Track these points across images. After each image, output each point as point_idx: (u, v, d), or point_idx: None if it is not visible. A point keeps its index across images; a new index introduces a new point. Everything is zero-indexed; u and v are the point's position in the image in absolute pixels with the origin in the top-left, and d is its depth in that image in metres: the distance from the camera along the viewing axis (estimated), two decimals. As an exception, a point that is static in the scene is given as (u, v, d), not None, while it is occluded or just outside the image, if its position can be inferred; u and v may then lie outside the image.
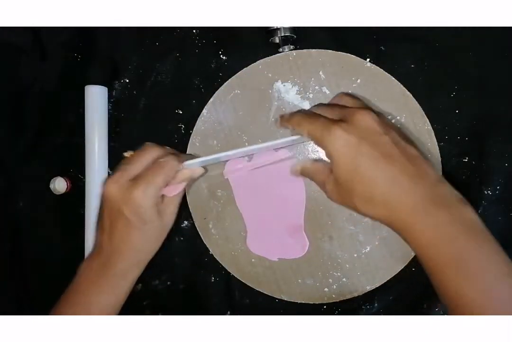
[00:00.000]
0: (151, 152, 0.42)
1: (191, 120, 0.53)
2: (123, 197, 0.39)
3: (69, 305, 0.41)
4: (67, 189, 0.56)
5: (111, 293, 0.42)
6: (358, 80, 0.50)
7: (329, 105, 0.43)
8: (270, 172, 0.51)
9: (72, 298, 0.42)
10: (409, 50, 0.50)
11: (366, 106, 0.41)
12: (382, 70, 0.49)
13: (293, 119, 0.41)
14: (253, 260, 0.52)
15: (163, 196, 0.42)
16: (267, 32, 0.51)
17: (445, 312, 0.50)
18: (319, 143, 0.38)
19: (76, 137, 0.55)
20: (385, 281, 0.50)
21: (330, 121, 0.38)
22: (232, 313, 0.54)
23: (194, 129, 0.53)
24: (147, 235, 0.41)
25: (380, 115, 0.38)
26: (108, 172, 0.56)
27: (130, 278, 0.42)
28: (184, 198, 0.53)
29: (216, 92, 0.52)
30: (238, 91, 0.52)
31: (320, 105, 0.44)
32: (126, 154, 0.43)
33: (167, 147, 0.44)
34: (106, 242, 0.41)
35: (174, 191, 0.42)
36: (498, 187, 0.49)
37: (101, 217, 0.42)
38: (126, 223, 0.40)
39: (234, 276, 0.53)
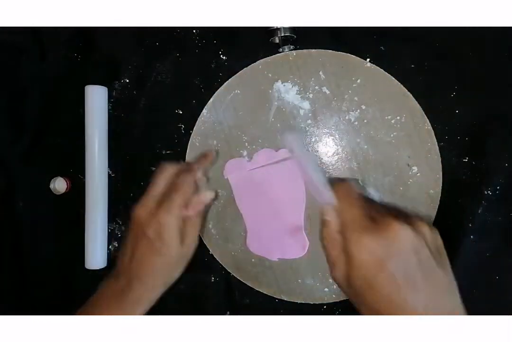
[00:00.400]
0: (167, 172, 0.43)
1: (191, 120, 0.53)
2: (149, 218, 0.41)
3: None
4: (67, 189, 0.56)
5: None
6: (358, 80, 0.50)
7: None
8: (270, 172, 0.51)
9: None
10: (409, 50, 0.50)
11: (403, 213, 0.39)
12: (382, 70, 0.49)
13: (342, 187, 0.40)
14: (253, 260, 0.52)
15: (184, 222, 0.42)
16: (267, 32, 0.51)
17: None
18: (344, 231, 0.36)
19: (76, 137, 0.55)
20: (385, 281, 0.50)
21: (363, 221, 0.36)
22: (232, 313, 0.54)
23: (194, 129, 0.53)
24: (166, 260, 0.42)
25: (417, 228, 0.36)
26: (108, 172, 0.56)
27: (145, 303, 0.42)
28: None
29: (216, 92, 0.52)
30: (238, 91, 0.52)
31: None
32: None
33: (182, 162, 0.46)
34: (126, 265, 0.42)
35: (193, 209, 0.43)
36: (498, 187, 0.49)
37: (126, 241, 0.43)
38: (148, 245, 0.40)
39: (234, 276, 0.53)
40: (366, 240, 0.35)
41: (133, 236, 0.42)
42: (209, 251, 0.53)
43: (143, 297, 0.42)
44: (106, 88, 0.55)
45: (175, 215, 0.41)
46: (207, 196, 0.44)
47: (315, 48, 0.50)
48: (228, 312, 0.54)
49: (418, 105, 0.49)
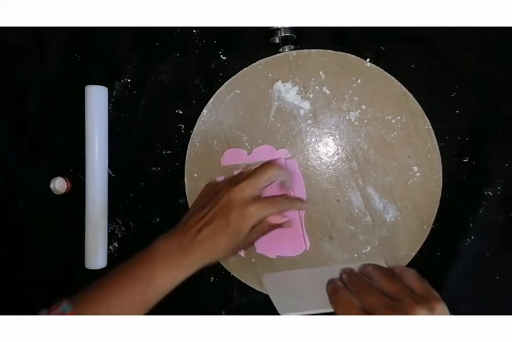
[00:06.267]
0: (277, 173, 0.45)
1: (191, 120, 0.53)
2: (240, 205, 0.43)
3: (133, 275, 0.42)
4: (67, 189, 0.56)
5: (175, 274, 0.43)
6: (358, 80, 0.50)
7: (392, 278, 0.42)
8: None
9: (137, 269, 0.43)
10: (409, 50, 0.50)
11: (431, 294, 0.40)
12: (382, 70, 0.49)
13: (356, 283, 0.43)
14: (253, 260, 0.52)
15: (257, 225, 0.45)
16: (267, 32, 0.51)
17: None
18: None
19: (76, 137, 0.55)
20: (385, 281, 0.50)
21: (386, 305, 0.38)
22: (232, 313, 0.54)
23: (194, 129, 0.53)
24: (228, 245, 0.44)
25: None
26: (108, 172, 0.56)
27: (195, 268, 0.43)
28: (184, 197, 0.53)
29: (216, 92, 0.52)
30: (238, 91, 0.52)
31: (384, 274, 0.42)
32: (247, 169, 0.48)
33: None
34: (196, 230, 0.43)
35: (277, 220, 0.46)
36: (498, 187, 0.49)
37: (207, 207, 0.44)
38: (225, 225, 0.43)
39: (234, 276, 0.53)
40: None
41: (219, 209, 0.43)
42: (209, 251, 0.53)
43: (195, 263, 0.43)
44: (106, 88, 0.55)
45: (260, 216, 0.43)
46: (284, 219, 0.46)
47: (315, 48, 0.50)
48: (228, 312, 0.54)
49: (418, 105, 0.49)
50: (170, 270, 0.42)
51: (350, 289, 0.42)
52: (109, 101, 0.56)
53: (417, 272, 0.42)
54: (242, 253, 0.52)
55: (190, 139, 0.53)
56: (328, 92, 0.50)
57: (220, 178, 0.52)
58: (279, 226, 0.47)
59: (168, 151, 0.55)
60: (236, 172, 0.51)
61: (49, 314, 0.40)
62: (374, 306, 0.38)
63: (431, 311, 0.37)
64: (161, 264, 0.42)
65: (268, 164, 0.45)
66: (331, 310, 0.42)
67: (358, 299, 0.40)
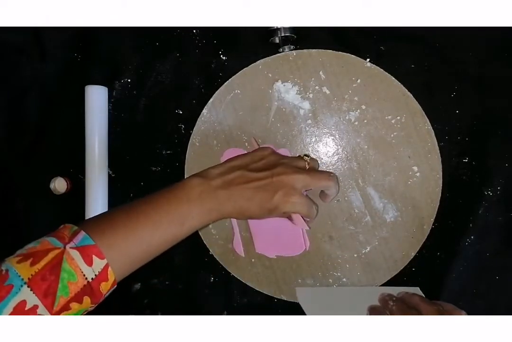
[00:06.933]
0: (329, 188, 0.46)
1: (191, 120, 0.53)
2: (290, 191, 0.43)
3: (167, 210, 0.41)
4: (67, 189, 0.56)
5: (206, 217, 0.42)
6: (358, 80, 0.50)
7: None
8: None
9: (171, 205, 0.41)
10: (409, 50, 0.50)
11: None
12: (382, 70, 0.49)
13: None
14: (253, 260, 0.52)
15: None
16: (267, 32, 0.51)
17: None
18: None
19: (76, 137, 0.55)
20: (385, 281, 0.50)
21: None
22: (232, 313, 0.54)
23: (194, 129, 0.53)
24: (253, 215, 0.44)
25: None
26: (108, 172, 0.56)
27: (223, 217, 0.43)
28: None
29: (216, 92, 0.52)
30: (238, 91, 0.52)
31: (435, 312, 0.43)
32: (306, 157, 0.47)
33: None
34: (238, 189, 0.42)
35: (299, 221, 0.46)
36: (498, 187, 0.49)
37: (262, 173, 0.43)
38: (265, 200, 0.42)
39: (234, 276, 0.53)
40: None
41: (269, 183, 0.43)
42: (209, 251, 0.53)
43: (225, 212, 0.43)
44: (106, 88, 0.55)
45: (296, 210, 0.44)
46: (304, 226, 0.47)
47: (315, 48, 0.50)
48: (227, 312, 0.54)
49: (418, 105, 0.49)
50: (204, 214, 0.42)
51: None
52: (109, 101, 0.56)
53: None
54: (242, 253, 0.52)
55: (190, 139, 0.53)
56: (328, 92, 0.50)
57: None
58: (291, 222, 0.47)
59: (168, 151, 0.55)
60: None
61: (65, 244, 0.36)
62: None
63: None
64: (199, 207, 0.41)
65: (332, 177, 0.46)
66: None
67: None
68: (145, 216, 0.40)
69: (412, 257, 0.50)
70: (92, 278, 0.36)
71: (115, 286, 0.39)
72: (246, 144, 0.52)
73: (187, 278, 0.55)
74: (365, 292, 0.48)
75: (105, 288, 0.37)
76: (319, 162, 0.51)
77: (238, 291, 0.54)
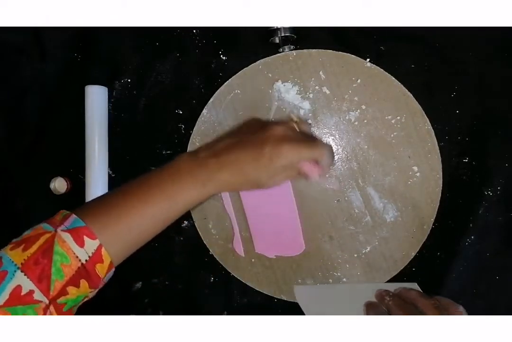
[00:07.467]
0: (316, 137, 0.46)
1: (191, 120, 0.53)
2: (277, 140, 0.41)
3: (159, 188, 0.40)
4: (67, 189, 0.56)
5: (200, 191, 0.41)
6: (358, 80, 0.50)
7: (440, 312, 0.42)
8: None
9: (163, 182, 0.40)
10: (409, 50, 0.50)
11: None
12: (382, 70, 0.49)
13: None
14: (253, 260, 0.52)
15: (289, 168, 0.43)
16: (267, 32, 0.51)
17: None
18: None
19: (76, 137, 0.55)
20: (385, 281, 0.50)
21: None
22: (232, 313, 0.54)
23: (194, 129, 0.53)
24: (252, 175, 0.41)
25: None
26: (108, 172, 0.56)
27: (217, 189, 0.42)
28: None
29: (216, 92, 0.52)
30: (238, 91, 0.52)
31: (431, 306, 0.42)
32: (294, 118, 0.45)
33: None
34: (227, 152, 0.41)
35: (310, 168, 0.43)
36: (498, 187, 0.49)
37: (247, 135, 0.43)
38: (256, 155, 0.40)
39: (234, 276, 0.53)
40: None
41: (253, 138, 0.42)
42: (209, 251, 0.53)
43: (219, 183, 0.41)
44: (106, 88, 0.55)
45: (293, 156, 0.41)
46: (316, 170, 0.44)
47: (315, 48, 0.50)
48: (227, 312, 0.54)
49: (418, 105, 0.49)
50: (196, 187, 0.40)
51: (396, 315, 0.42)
52: (109, 101, 0.56)
53: (465, 311, 0.42)
54: (242, 253, 0.52)
55: (190, 139, 0.53)
56: (328, 92, 0.50)
57: None
58: (307, 176, 0.43)
59: (168, 151, 0.55)
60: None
61: (56, 228, 0.35)
62: None
63: None
64: (189, 179, 0.40)
65: (324, 144, 0.44)
66: None
67: None
68: (137, 195, 0.40)
69: (412, 257, 0.50)
70: (86, 260, 0.36)
71: (113, 269, 0.38)
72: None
73: (187, 278, 0.55)
74: (362, 289, 0.48)
75: (102, 270, 0.37)
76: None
77: (238, 291, 0.54)
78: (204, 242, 0.53)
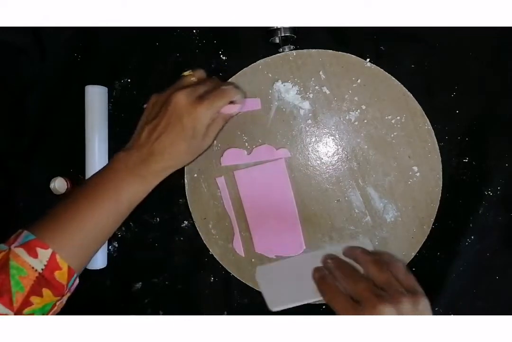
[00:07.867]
0: (214, 80, 0.47)
1: (191, 120, 0.53)
2: (188, 108, 0.43)
3: (101, 189, 0.43)
4: (67, 189, 0.56)
5: (142, 185, 0.44)
6: (358, 80, 0.50)
7: (381, 267, 0.41)
8: (268, 170, 0.51)
9: (104, 183, 0.43)
10: (409, 50, 0.50)
11: (416, 288, 0.40)
12: (382, 70, 0.49)
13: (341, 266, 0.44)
14: (253, 260, 0.52)
15: (212, 121, 0.45)
16: (267, 32, 0.51)
17: (445, 312, 0.50)
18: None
19: (76, 137, 0.55)
20: (385, 281, 0.50)
21: (374, 294, 0.38)
22: (232, 313, 0.54)
23: (194, 129, 0.53)
24: (189, 148, 0.45)
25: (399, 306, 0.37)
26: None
27: (160, 177, 0.45)
28: (184, 197, 0.53)
29: (216, 92, 0.52)
30: (238, 91, 0.52)
31: (373, 262, 0.42)
32: (186, 73, 0.47)
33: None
34: (152, 140, 0.44)
35: (230, 109, 0.47)
36: (498, 187, 0.49)
37: (157, 117, 0.44)
38: (180, 131, 0.43)
39: (234, 276, 0.53)
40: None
41: (168, 117, 0.44)
42: (209, 251, 0.53)
43: (161, 172, 0.45)
44: (106, 88, 0.55)
45: (210, 113, 0.44)
46: (236, 107, 0.47)
47: (315, 48, 0.50)
48: (227, 312, 0.54)
49: (418, 105, 0.49)
50: (136, 181, 0.43)
51: (337, 276, 0.42)
52: (109, 101, 0.56)
53: (405, 265, 0.42)
54: (242, 253, 0.52)
55: (190, 139, 0.53)
56: (328, 92, 0.50)
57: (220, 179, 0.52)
58: (231, 115, 0.48)
59: (168, 151, 0.55)
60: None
61: (9, 246, 0.38)
62: (362, 294, 0.38)
63: (416, 305, 0.37)
64: (127, 176, 0.43)
65: (229, 87, 0.46)
66: (321, 298, 0.42)
67: (345, 286, 0.40)
68: (82, 201, 0.42)
69: (412, 257, 0.50)
70: (42, 269, 0.37)
71: (75, 275, 0.40)
72: (246, 144, 0.52)
73: (187, 278, 0.55)
74: (318, 255, 0.48)
75: (62, 277, 0.38)
76: (318, 162, 0.51)
77: (238, 291, 0.54)
78: (204, 242, 0.53)
